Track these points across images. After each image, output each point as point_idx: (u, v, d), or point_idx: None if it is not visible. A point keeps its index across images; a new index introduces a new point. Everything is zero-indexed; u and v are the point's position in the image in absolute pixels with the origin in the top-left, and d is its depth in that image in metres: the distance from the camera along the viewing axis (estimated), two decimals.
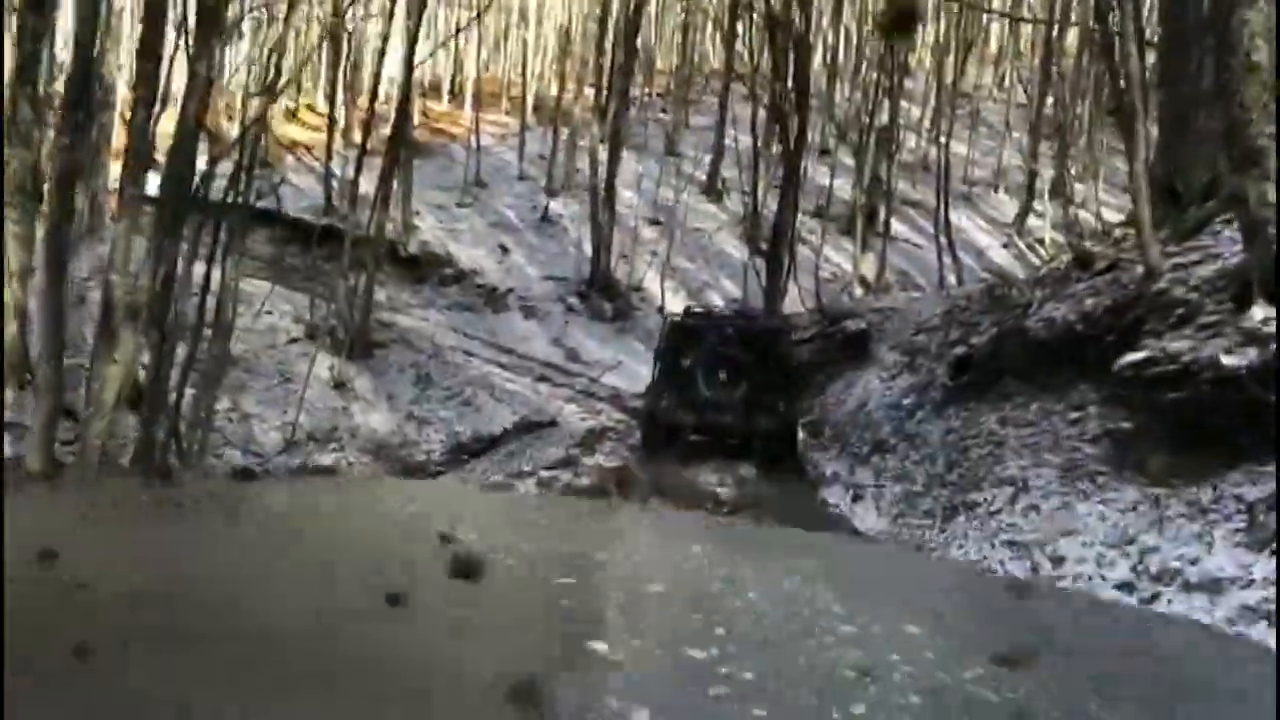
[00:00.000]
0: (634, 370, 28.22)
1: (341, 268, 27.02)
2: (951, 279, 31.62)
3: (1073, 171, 42.04)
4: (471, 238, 32.82)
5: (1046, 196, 39.18)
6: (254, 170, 19.37)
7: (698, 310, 18.46)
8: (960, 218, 39.46)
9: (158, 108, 14.49)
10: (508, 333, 29.68)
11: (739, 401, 14.18)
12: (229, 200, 19.26)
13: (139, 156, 13.90)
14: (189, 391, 18.48)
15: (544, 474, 14.79)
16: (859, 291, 32.52)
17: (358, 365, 26.27)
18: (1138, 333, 10.47)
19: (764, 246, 28.88)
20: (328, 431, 24.33)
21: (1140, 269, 12.26)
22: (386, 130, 37.04)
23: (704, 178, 37.76)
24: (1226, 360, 8.35)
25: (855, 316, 24.22)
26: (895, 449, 13.99)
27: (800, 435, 20.21)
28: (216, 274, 18.57)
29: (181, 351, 17.51)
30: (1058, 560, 8.55)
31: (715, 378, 13.88)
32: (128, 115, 16.86)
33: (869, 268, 33.32)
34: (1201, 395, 8.58)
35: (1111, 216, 38.42)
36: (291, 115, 42.31)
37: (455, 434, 23.17)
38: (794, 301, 29.33)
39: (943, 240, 32.20)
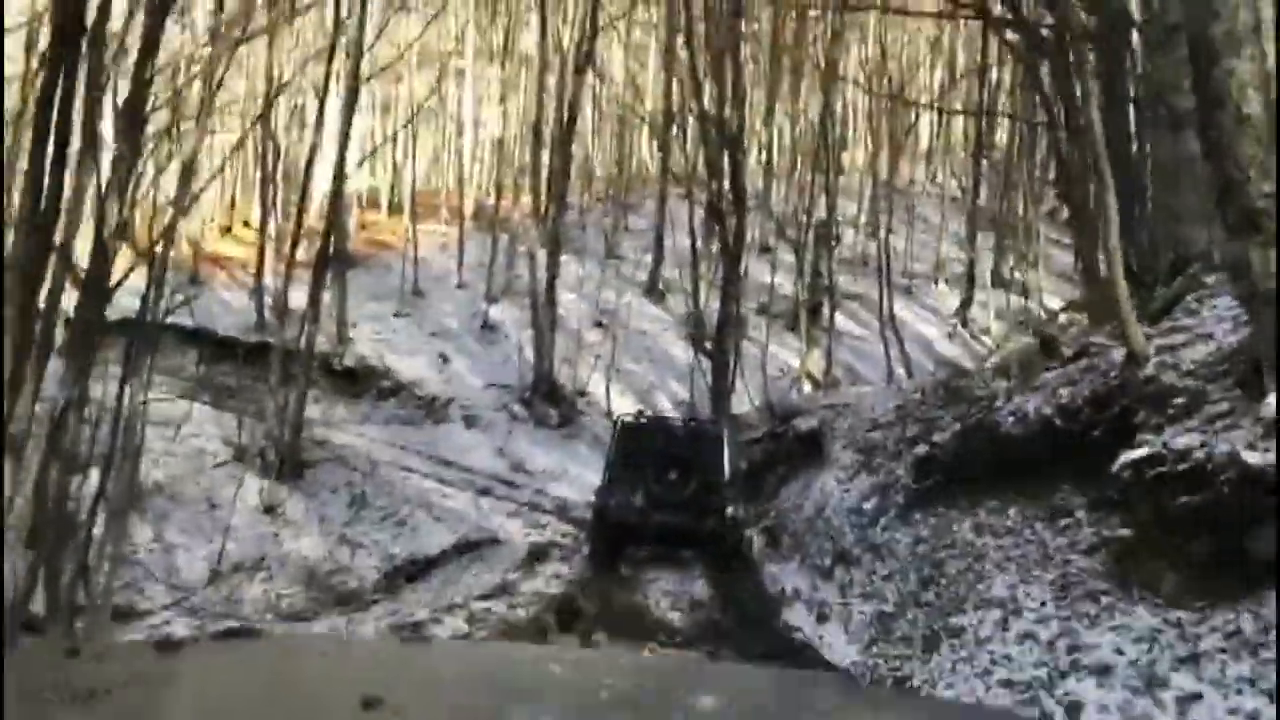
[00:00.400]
0: (581, 477, 26.59)
1: (270, 384, 25.29)
2: (900, 371, 30.53)
3: (1011, 261, 41.68)
4: (410, 348, 31.23)
5: (988, 285, 38.60)
6: (163, 286, 17.70)
7: (647, 415, 18.47)
8: (902, 309, 38.54)
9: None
10: (449, 445, 27.93)
11: (687, 500, 14.16)
12: (144, 318, 17.66)
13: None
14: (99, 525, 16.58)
15: (476, 606, 13.02)
16: (807, 388, 31.30)
17: (289, 487, 24.39)
18: (1129, 427, 9.12)
19: (708, 346, 27.63)
20: (256, 560, 22.35)
21: (1116, 355, 10.99)
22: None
23: (645, 279, 36.64)
24: (1250, 457, 6.98)
25: (805, 414, 22.87)
26: (860, 561, 12.45)
27: (756, 543, 18.66)
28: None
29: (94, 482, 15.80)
30: (1074, 708, 7.00)
31: (665, 476, 13.93)
32: None
33: (815, 363, 32.17)
34: (1221, 498, 7.18)
35: (1054, 303, 37.91)
36: (226, 231, 40.87)
37: (390, 557, 21.29)
38: (741, 400, 28.01)
39: (888, 334, 31.20)
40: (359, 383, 29.66)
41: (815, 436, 21.90)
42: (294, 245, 28.21)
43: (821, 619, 11.41)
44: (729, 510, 14.66)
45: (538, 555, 17.83)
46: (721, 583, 14.18)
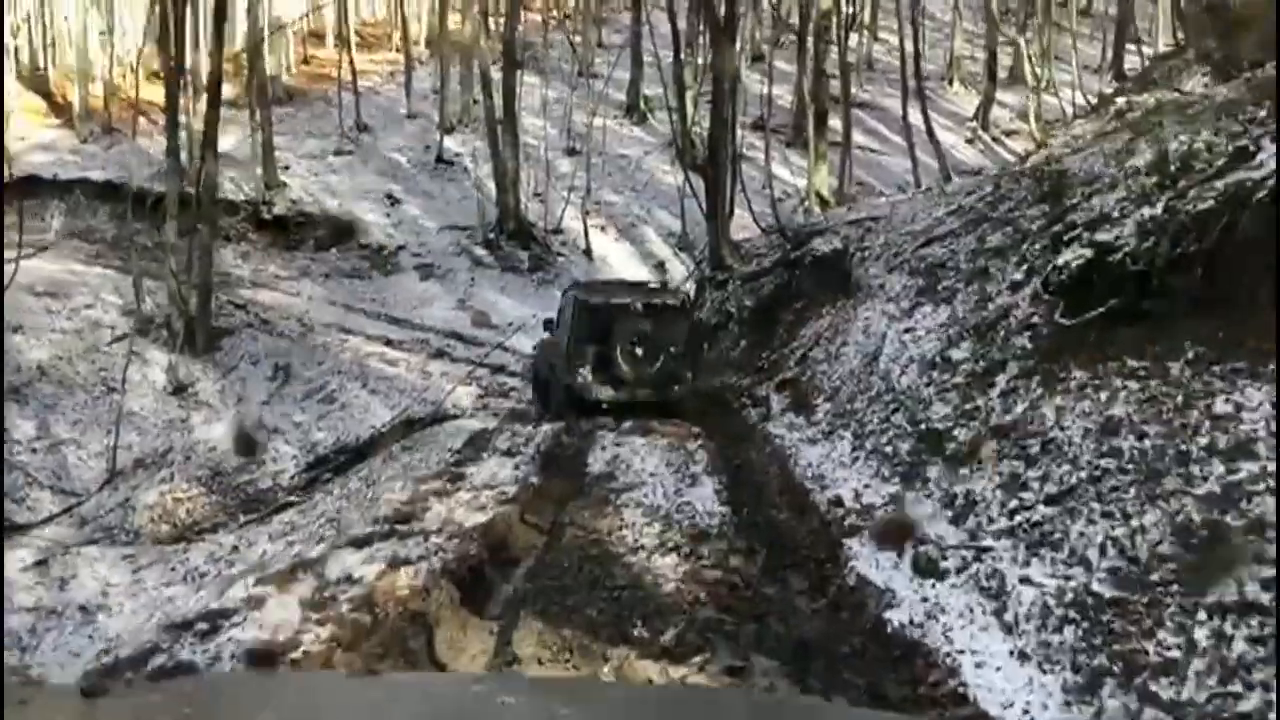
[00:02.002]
0: None
1: (166, 239, 19.41)
2: (926, 181, 24.42)
3: (1032, 57, 35.09)
4: (353, 190, 25.15)
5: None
6: None
7: (602, 282, 17.50)
8: (915, 114, 32.20)
9: None
10: (400, 299, 22.22)
11: (656, 376, 13.28)
12: None
13: None
14: None
15: (401, 529, 7.53)
16: (816, 210, 25.27)
17: (202, 362, 18.79)
18: None
19: (699, 164, 21.53)
20: (159, 455, 16.94)
21: None
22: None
23: (622, 99, 30.17)
24: None
25: (825, 234, 17.00)
26: (974, 453, 6.80)
27: (774, 403, 13.14)
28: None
29: None
30: None
31: (631, 353, 13.08)
32: None
33: (824, 181, 26.01)
34: None
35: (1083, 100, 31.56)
36: (155, 75, 34.01)
37: (312, 445, 15.83)
38: (741, 228, 22.09)
39: (920, 133, 24.79)
40: (293, 232, 23.71)
41: (839, 260, 16.12)
42: (213, 83, 21.87)
43: (928, 572, 5.91)
44: (689, 379, 13.71)
45: (487, 439, 12.27)
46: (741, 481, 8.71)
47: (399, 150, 26.95)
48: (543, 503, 8.70)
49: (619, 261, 24.32)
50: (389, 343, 19.61)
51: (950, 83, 33.23)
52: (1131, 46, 34.68)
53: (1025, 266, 8.64)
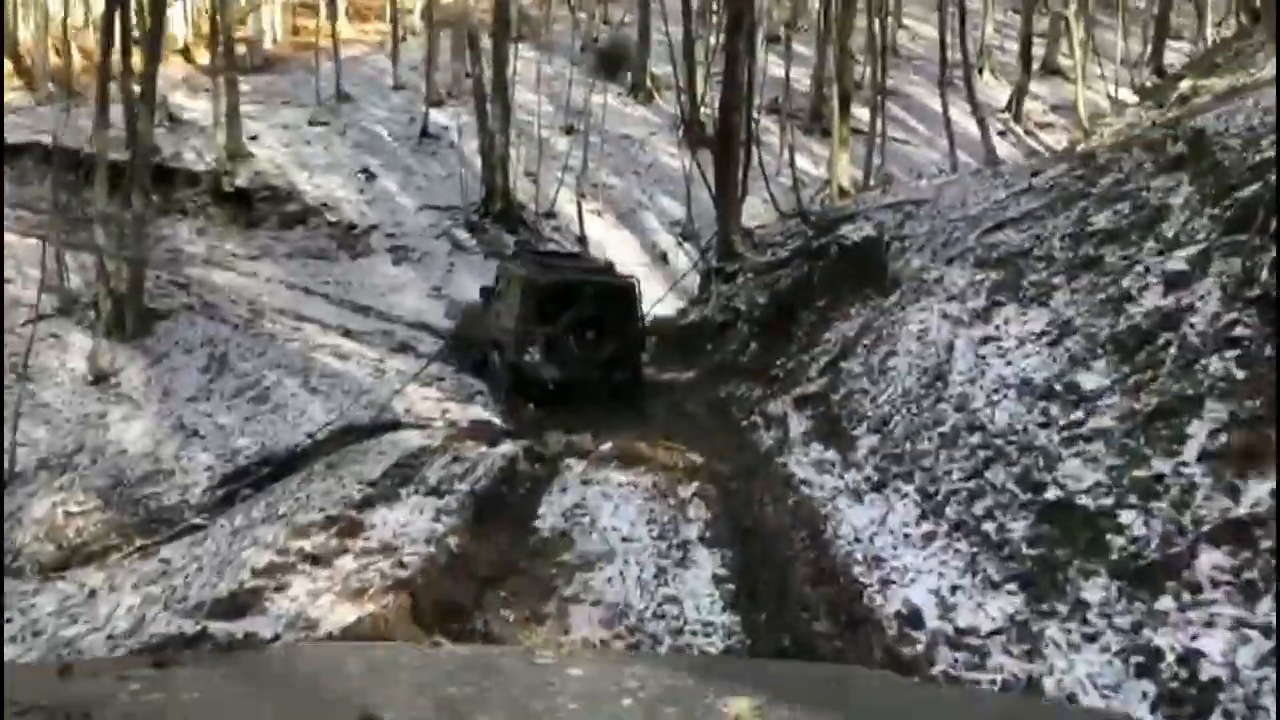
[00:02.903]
0: None
1: (97, 207, 16.34)
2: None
3: (1065, 47, 31.93)
4: (326, 163, 22.01)
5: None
6: None
7: (541, 256, 15.21)
8: (944, 102, 28.96)
9: None
10: (369, 284, 19.09)
11: (606, 360, 12.34)
12: None
13: None
14: None
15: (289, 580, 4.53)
16: (837, 201, 22.08)
17: (130, 349, 15.72)
18: None
19: (709, 145, 18.37)
20: (67, 456, 13.86)
21: None
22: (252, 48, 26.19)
23: (628, 76, 26.97)
24: None
25: (855, 219, 13.83)
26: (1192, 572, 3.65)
27: (792, 425, 10.02)
28: None
29: None
30: None
31: (584, 338, 12.05)
32: None
33: (845, 170, 22.80)
34: None
35: (1120, 93, 28.37)
36: None
37: (233, 453, 12.68)
38: (752, 216, 18.89)
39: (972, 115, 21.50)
40: (256, 207, 20.57)
41: (873, 250, 12.98)
42: (153, 35, 18.71)
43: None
44: (632, 362, 13.12)
45: (420, 465, 9.15)
46: None
47: (381, 122, 23.79)
48: (455, 584, 5.59)
49: (616, 249, 21.14)
50: (347, 333, 16.50)
51: (980, 72, 29.89)
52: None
53: (1197, 251, 5.48)
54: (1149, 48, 31.82)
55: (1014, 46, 31.09)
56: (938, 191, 13.53)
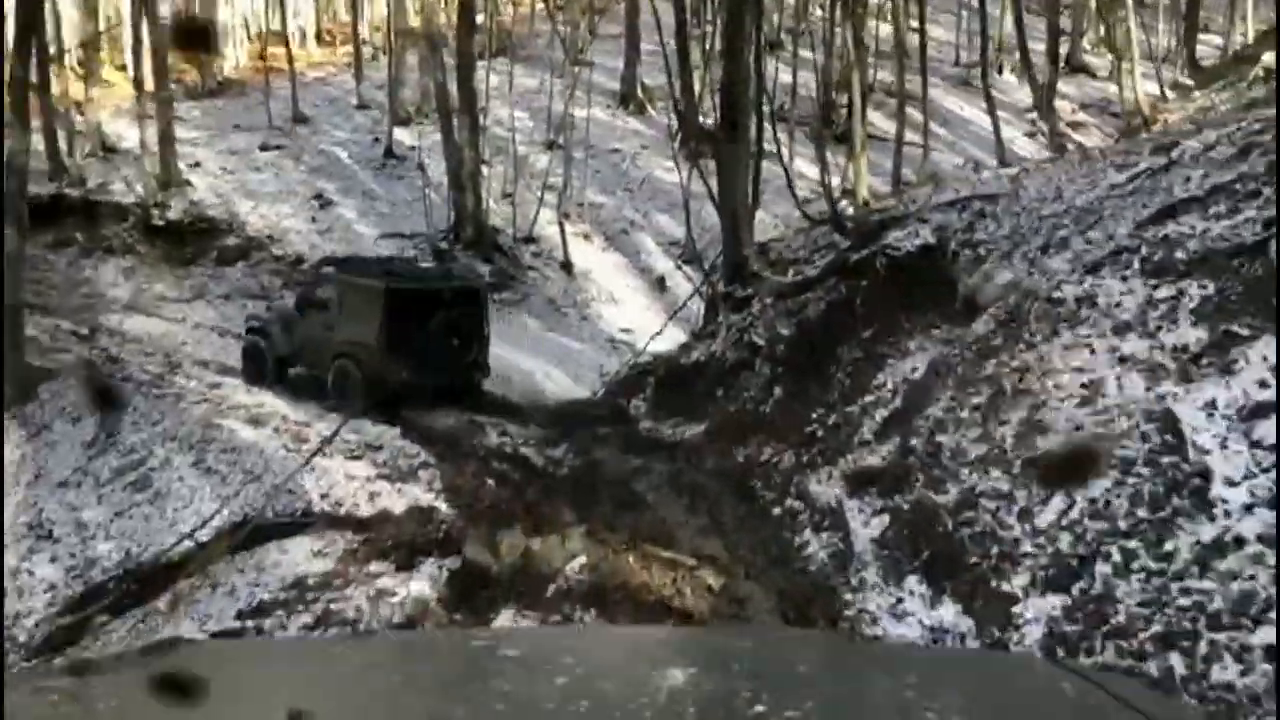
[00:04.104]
0: (526, 369, 14.36)
1: None
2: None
3: (1088, 44, 28.68)
4: (276, 191, 18.51)
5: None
6: None
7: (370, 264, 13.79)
8: (961, 105, 25.53)
9: None
10: None
11: (470, 365, 11.93)
12: None
13: None
14: None
15: None
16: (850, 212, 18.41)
17: (7, 417, 12.09)
18: None
19: (712, 147, 14.81)
20: None
21: None
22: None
23: (617, 88, 23.52)
24: None
25: (905, 223, 10.18)
26: None
27: (852, 516, 6.34)
28: None
29: None
30: None
31: (447, 343, 11.62)
32: None
33: (864, 178, 19.23)
34: None
35: (1149, 88, 24.87)
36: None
37: (90, 563, 9.04)
38: (761, 232, 15.28)
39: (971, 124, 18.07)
40: (191, 243, 17.03)
41: (934, 261, 9.38)
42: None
43: None
44: (479, 362, 12.11)
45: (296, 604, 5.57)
46: None
47: (341, 144, 20.32)
48: None
49: (606, 275, 17.63)
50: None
51: (1000, 71, 26.41)
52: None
53: None
54: (1176, 43, 28.49)
55: (1033, 45, 27.67)
56: (1014, 183, 9.87)
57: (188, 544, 8.89)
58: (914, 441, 6.84)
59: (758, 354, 10.99)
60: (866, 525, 6.30)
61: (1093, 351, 5.29)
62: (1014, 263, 8.38)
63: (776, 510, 7.62)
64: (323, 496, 9.35)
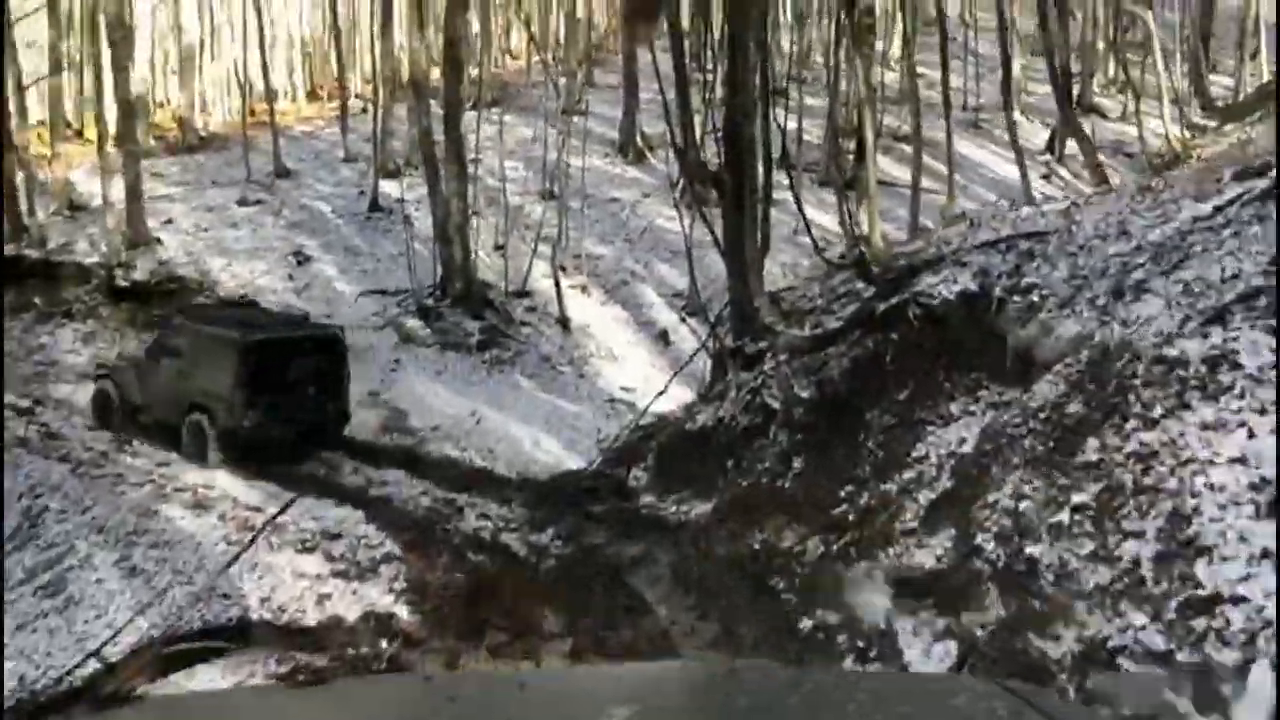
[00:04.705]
0: (516, 438, 12.84)
1: None
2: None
3: (1096, 87, 27.56)
4: (252, 248, 17.11)
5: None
6: None
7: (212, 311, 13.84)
8: (972, 148, 24.23)
9: None
10: None
11: (331, 413, 11.51)
12: None
13: None
14: None
15: None
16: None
17: None
18: None
19: (715, 192, 13.42)
20: None
21: None
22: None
23: (615, 136, 22.28)
24: None
25: (939, 267, 8.65)
26: None
27: (913, 648, 4.69)
28: None
29: None
30: None
31: (306, 394, 11.31)
32: None
33: (876, 224, 17.76)
34: None
35: (1166, 129, 23.55)
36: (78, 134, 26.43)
37: None
38: (771, 282, 13.77)
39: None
40: (158, 304, 15.59)
41: (977, 310, 7.85)
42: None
43: None
44: (343, 410, 11.69)
45: None
46: None
47: (325, 198, 18.99)
48: None
49: (605, 330, 16.12)
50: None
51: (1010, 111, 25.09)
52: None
53: None
54: (1185, 82, 27.26)
55: (1037, 88, 26.50)
56: (1065, 218, 8.36)
57: (94, 665, 7.35)
58: (981, 539, 5.24)
59: (772, 418, 9.41)
60: (927, 655, 4.68)
61: (1252, 433, 3.73)
62: (1079, 311, 6.84)
63: (806, 623, 5.99)
64: (263, 600, 7.74)
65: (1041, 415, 6.07)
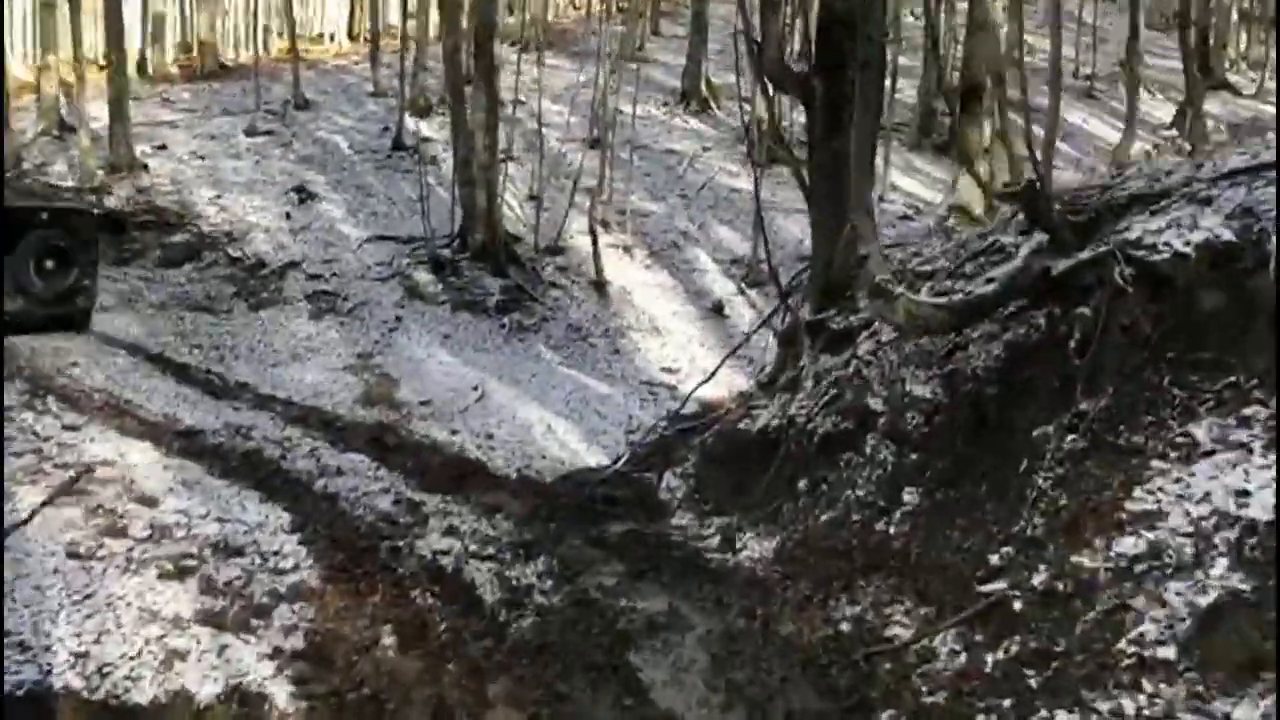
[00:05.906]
0: (537, 423, 9.85)
1: None
2: None
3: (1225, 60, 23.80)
4: (249, 180, 14.34)
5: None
6: None
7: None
8: (1087, 120, 20.62)
9: None
10: (265, 349, 11.17)
11: (66, 291, 10.42)
12: None
13: None
14: None
15: None
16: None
17: None
18: None
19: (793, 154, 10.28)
20: None
21: None
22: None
23: (677, 85, 19.12)
24: None
25: (1170, 203, 5.39)
26: None
27: None
28: None
29: None
30: None
31: (44, 268, 10.15)
32: None
33: (972, 191, 14.38)
34: None
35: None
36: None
37: None
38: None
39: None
40: (131, 238, 12.90)
41: (1235, 268, 4.56)
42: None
43: None
44: (87, 287, 10.60)
45: None
46: None
47: (343, 132, 16.17)
48: None
49: (648, 298, 13.05)
50: (185, 437, 8.41)
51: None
52: None
53: None
54: None
55: (1160, 62, 22.69)
56: None
57: None
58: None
59: (870, 426, 6.22)
60: None
61: None
62: None
63: None
64: (76, 659, 4.86)
65: None
